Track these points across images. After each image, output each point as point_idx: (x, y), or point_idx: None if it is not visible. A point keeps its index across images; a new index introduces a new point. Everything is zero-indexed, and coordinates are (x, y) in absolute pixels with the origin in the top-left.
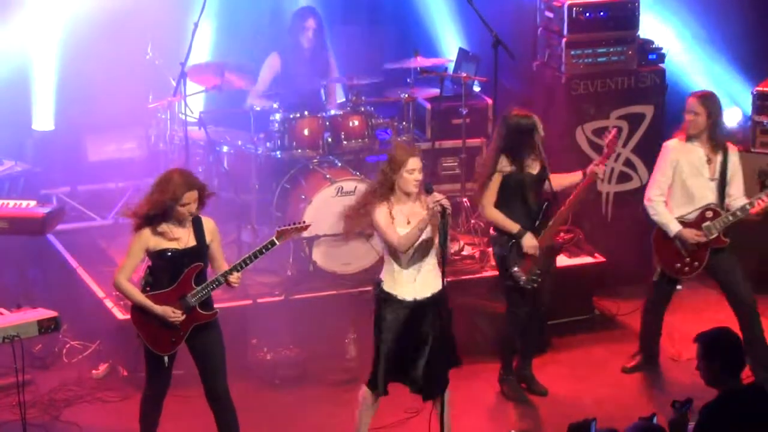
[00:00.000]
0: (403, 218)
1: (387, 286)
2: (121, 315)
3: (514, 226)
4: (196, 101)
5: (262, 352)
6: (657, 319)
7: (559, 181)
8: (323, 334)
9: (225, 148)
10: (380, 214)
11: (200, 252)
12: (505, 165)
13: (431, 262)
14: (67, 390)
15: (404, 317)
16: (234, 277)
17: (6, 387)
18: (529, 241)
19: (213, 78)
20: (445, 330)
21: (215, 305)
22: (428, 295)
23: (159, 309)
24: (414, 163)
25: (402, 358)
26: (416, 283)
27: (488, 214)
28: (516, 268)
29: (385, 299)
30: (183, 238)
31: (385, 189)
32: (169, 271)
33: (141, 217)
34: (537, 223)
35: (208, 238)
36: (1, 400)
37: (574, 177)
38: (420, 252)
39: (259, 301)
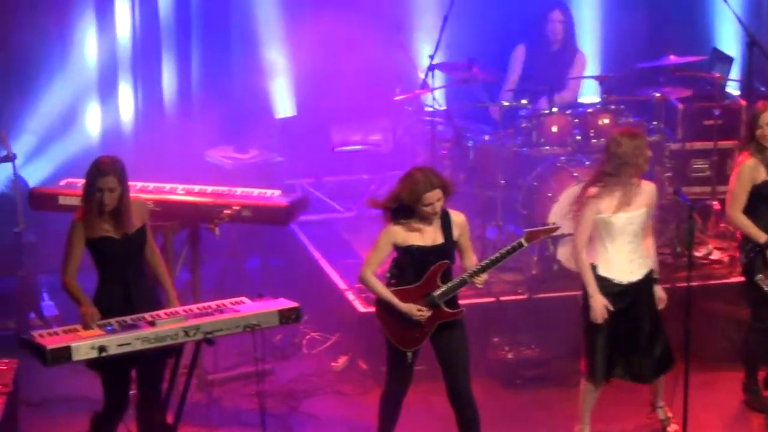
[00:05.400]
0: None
1: (602, 270)
2: (362, 308)
3: (761, 235)
4: (442, 95)
5: (503, 351)
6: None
7: None
8: (565, 335)
9: (471, 143)
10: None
11: (447, 249)
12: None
13: (641, 245)
14: (306, 381)
15: (614, 301)
16: (480, 279)
17: (245, 376)
18: None
19: (461, 72)
20: (658, 317)
21: (459, 302)
22: (640, 277)
23: (404, 306)
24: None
25: (617, 344)
26: (631, 265)
27: (733, 220)
28: (760, 275)
29: (600, 284)
30: (430, 234)
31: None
32: (414, 267)
33: (385, 212)
34: None
35: (456, 233)
36: (240, 388)
37: None
38: (633, 235)
39: (502, 299)
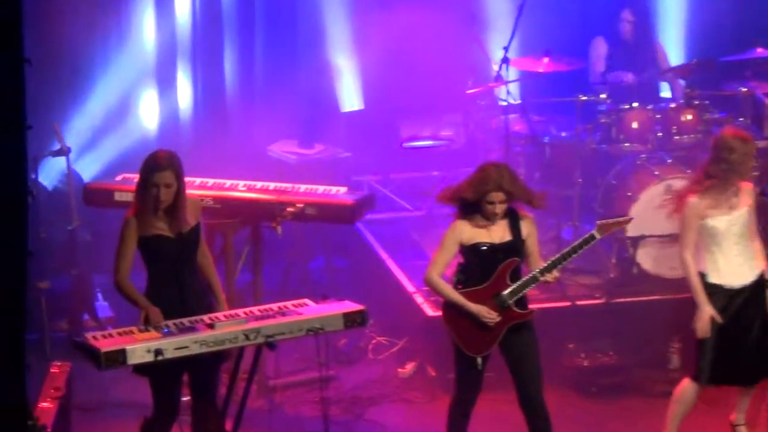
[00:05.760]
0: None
1: (712, 277)
2: (431, 311)
3: None
4: (517, 89)
5: (579, 358)
6: None
7: None
8: (645, 342)
9: (547, 139)
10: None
11: (516, 247)
12: None
13: (749, 246)
14: (372, 388)
15: (727, 306)
16: (551, 276)
17: (308, 381)
18: None
19: (535, 64)
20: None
21: (531, 306)
22: (753, 279)
23: (474, 308)
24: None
25: (724, 347)
26: (741, 268)
27: None
28: None
29: (709, 290)
30: (498, 232)
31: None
32: (481, 267)
33: (452, 203)
34: None
35: (524, 232)
36: (303, 395)
37: None
38: (738, 236)
39: (578, 303)
